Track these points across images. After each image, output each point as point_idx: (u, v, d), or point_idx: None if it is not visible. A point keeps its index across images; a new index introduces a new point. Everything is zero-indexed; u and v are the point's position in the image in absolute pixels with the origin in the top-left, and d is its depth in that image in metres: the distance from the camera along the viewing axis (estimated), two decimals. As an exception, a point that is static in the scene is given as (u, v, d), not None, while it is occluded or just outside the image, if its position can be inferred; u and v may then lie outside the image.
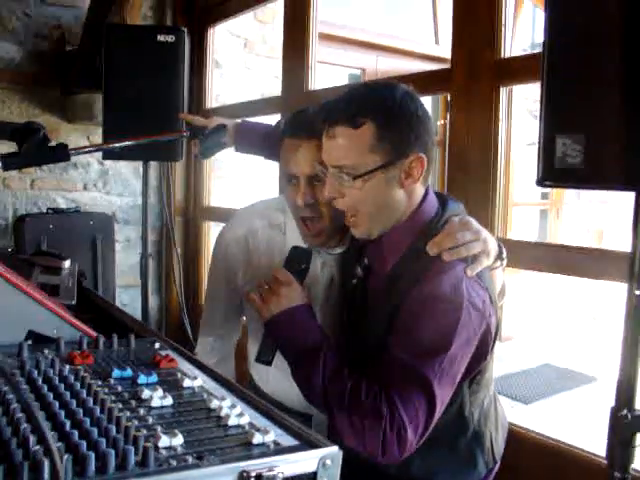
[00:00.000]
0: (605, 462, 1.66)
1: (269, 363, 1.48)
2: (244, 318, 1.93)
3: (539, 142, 1.32)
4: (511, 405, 4.54)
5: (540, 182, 1.33)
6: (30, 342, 1.21)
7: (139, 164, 3.65)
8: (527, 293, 5.61)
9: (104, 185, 3.83)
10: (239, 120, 1.99)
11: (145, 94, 2.98)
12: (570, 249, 2.04)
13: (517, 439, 1.99)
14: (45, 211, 3.57)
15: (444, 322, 1.33)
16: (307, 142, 1.55)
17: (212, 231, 3.94)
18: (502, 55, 2.14)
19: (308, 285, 1.56)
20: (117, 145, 1.64)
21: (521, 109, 6.41)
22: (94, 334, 1.28)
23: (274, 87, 4.13)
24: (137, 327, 1.47)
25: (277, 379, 1.75)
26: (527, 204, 6.56)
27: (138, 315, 3.41)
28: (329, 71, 5.09)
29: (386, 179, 1.40)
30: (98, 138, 3.53)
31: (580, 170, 1.27)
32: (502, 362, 5.32)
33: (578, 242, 6.24)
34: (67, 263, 1.87)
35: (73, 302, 1.62)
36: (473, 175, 2.19)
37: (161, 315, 4.01)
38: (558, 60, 1.31)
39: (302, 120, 1.60)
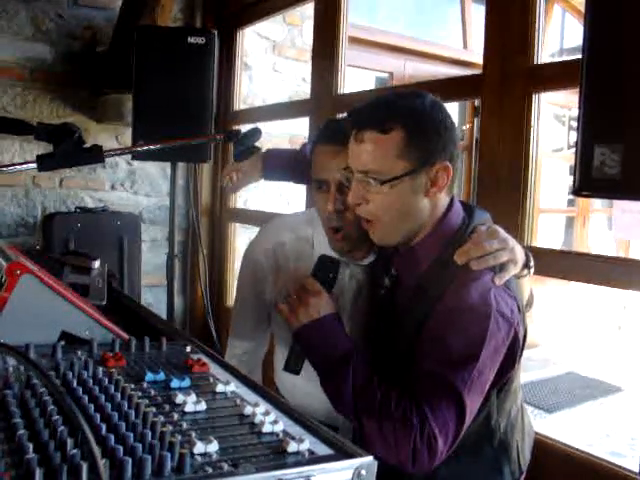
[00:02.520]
0: (638, 478, 1.65)
1: (297, 372, 1.48)
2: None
3: (576, 151, 1.31)
4: (534, 414, 4.50)
5: (577, 192, 1.32)
6: (63, 343, 1.22)
7: (166, 165, 3.67)
8: (553, 301, 5.56)
9: (131, 185, 3.85)
10: (264, 149, 2.01)
11: (175, 96, 3.00)
12: (597, 258, 2.01)
13: (543, 449, 1.97)
14: (73, 210, 3.60)
15: (473, 332, 1.32)
16: (340, 149, 1.55)
17: (238, 233, 3.95)
18: (535, 61, 2.11)
19: (336, 296, 1.55)
20: (151, 147, 1.64)
21: (548, 114, 6.35)
22: (126, 336, 1.29)
23: (302, 90, 4.14)
24: (168, 330, 1.47)
25: (303, 390, 1.75)
26: (553, 211, 6.50)
27: (163, 315, 3.43)
28: (356, 74, 5.09)
29: (412, 186, 1.40)
30: (127, 138, 3.55)
31: (618, 180, 1.25)
32: (526, 369, 5.28)
33: (604, 251, 6.18)
34: (97, 263, 1.89)
35: (103, 302, 1.63)
36: (503, 182, 2.17)
37: (185, 315, 4.03)
38: (597, 68, 1.29)
39: (335, 128, 1.61)
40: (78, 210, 3.56)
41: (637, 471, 1.73)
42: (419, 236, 1.47)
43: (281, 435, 0.91)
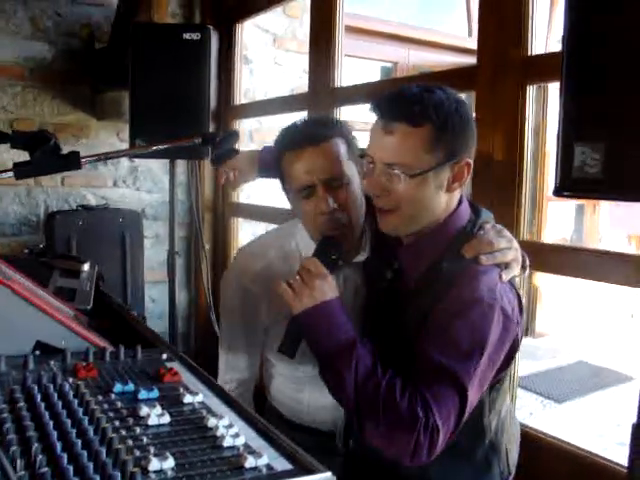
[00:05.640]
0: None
1: (292, 355, 1.45)
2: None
3: (557, 150, 1.28)
4: (543, 404, 4.47)
5: (557, 192, 1.30)
6: (38, 352, 1.22)
7: (168, 161, 3.66)
8: (562, 289, 5.51)
9: (134, 182, 3.85)
10: (261, 147, 1.99)
11: (171, 92, 2.99)
12: (604, 255, 1.96)
13: (537, 445, 1.96)
14: (75, 208, 3.60)
15: (480, 325, 1.32)
16: (312, 149, 1.55)
17: (241, 227, 3.95)
18: (529, 52, 2.08)
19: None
20: (130, 152, 1.63)
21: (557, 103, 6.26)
22: (102, 344, 1.28)
23: (304, 82, 4.09)
24: (149, 335, 1.46)
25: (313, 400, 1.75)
26: (563, 199, 6.42)
27: (167, 310, 3.44)
28: (361, 65, 5.05)
29: (435, 181, 1.40)
30: (127, 135, 3.54)
31: (599, 180, 1.22)
32: (535, 359, 5.24)
33: (614, 240, 6.10)
34: (86, 266, 1.89)
35: (89, 307, 1.63)
36: (498, 175, 2.14)
37: (190, 311, 4.04)
38: (578, 64, 1.26)
39: (299, 130, 1.61)
40: (80, 208, 3.56)
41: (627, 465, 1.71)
42: (427, 229, 1.47)
43: (241, 449, 0.91)
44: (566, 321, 5.80)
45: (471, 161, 1.44)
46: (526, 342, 5.80)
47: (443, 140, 1.38)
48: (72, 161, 1.40)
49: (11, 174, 1.38)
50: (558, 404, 4.49)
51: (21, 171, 1.36)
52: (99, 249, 3.44)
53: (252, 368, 1.83)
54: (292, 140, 1.60)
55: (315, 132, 1.57)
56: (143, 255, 3.65)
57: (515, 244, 1.47)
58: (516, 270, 1.45)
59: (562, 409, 4.43)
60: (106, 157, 1.57)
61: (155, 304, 3.91)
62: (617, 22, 1.20)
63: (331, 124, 1.66)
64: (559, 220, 6.32)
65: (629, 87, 1.18)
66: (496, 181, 2.14)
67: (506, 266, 1.41)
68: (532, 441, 1.95)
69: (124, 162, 3.80)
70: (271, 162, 1.85)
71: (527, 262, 1.53)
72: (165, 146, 1.65)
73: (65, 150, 1.35)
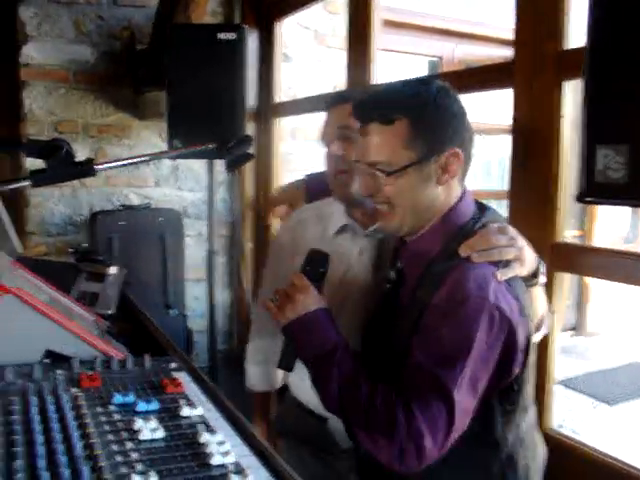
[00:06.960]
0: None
1: (290, 369, 1.45)
2: None
3: (580, 153, 1.22)
4: (593, 405, 4.35)
5: (580, 198, 1.23)
6: (48, 361, 1.23)
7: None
8: (614, 286, 5.33)
9: (176, 181, 3.89)
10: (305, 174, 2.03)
11: (208, 93, 2.99)
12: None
13: (570, 455, 1.89)
14: (117, 208, 3.66)
15: (466, 325, 1.25)
16: (333, 109, 1.65)
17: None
18: (565, 47, 2.00)
19: (344, 273, 1.52)
20: (147, 158, 1.63)
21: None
22: (112, 352, 1.28)
23: (346, 79, 4.07)
24: (165, 344, 1.46)
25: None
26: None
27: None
28: (409, 60, 4.98)
29: (422, 176, 1.37)
30: (168, 135, 3.58)
31: (623, 185, 1.16)
32: (586, 359, 5.10)
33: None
34: (113, 270, 1.90)
35: (110, 312, 1.64)
36: (534, 173, 2.08)
37: (232, 310, 4.05)
38: (602, 60, 1.20)
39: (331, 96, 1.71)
40: (121, 208, 3.61)
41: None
42: (426, 227, 1.42)
43: (230, 468, 0.89)
44: (618, 320, 5.60)
45: (459, 150, 1.37)
46: (577, 341, 5.66)
47: (421, 134, 1.35)
48: (86, 168, 1.40)
49: (27, 182, 1.39)
50: (609, 406, 4.36)
51: (37, 179, 1.38)
52: (140, 248, 3.49)
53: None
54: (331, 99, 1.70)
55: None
56: (183, 254, 3.69)
57: (520, 243, 1.36)
58: (518, 270, 1.34)
59: (613, 411, 4.30)
60: (122, 164, 1.57)
61: (198, 302, 3.94)
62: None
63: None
64: (615, 218, 6.10)
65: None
66: (531, 181, 2.08)
67: (505, 265, 1.32)
68: (563, 450, 1.89)
69: (165, 161, 3.84)
70: (322, 189, 1.85)
71: (543, 269, 1.44)
72: (177, 152, 1.64)
73: (118, 151, 1.35)
